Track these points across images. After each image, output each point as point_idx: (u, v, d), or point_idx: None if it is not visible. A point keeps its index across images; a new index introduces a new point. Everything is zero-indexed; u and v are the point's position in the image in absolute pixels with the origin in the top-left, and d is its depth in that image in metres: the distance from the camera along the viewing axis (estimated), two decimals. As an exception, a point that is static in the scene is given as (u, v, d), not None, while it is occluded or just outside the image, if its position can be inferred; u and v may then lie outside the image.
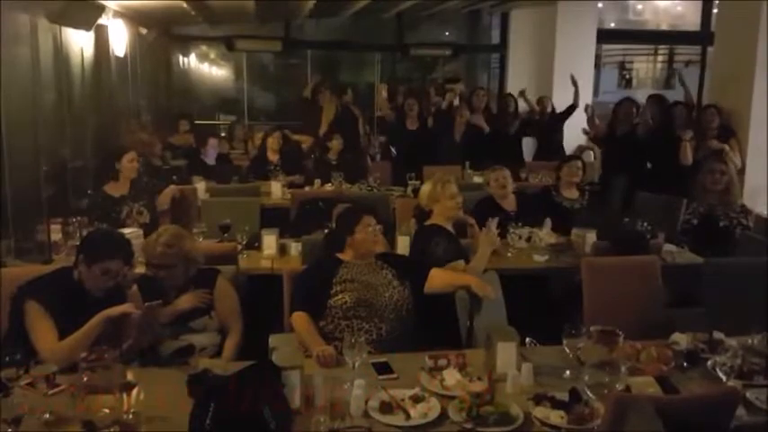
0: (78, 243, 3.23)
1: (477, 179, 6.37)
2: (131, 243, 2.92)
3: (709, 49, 7.87)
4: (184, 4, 6.39)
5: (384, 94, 7.54)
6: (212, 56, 11.39)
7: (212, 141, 6.43)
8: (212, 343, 2.93)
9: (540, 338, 2.73)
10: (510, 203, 4.66)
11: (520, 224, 4.30)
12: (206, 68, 11.56)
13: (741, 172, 5.13)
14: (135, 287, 2.87)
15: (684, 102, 6.25)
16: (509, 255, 4.08)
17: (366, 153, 7.08)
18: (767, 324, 2.85)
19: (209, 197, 5.26)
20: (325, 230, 3.86)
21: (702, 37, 9.25)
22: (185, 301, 2.91)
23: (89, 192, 4.66)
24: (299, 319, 2.78)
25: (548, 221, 4.40)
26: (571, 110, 7.39)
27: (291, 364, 2.17)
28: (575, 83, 7.22)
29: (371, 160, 6.89)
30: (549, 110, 7.73)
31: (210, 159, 6.42)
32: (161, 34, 8.85)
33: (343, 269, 2.94)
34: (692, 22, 10.27)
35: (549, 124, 7.65)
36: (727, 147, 5.36)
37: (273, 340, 2.58)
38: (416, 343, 2.79)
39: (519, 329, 2.62)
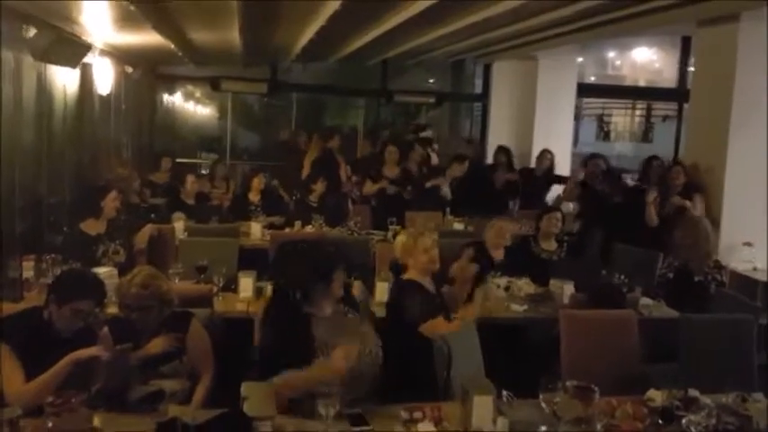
0: (50, 281, 3.17)
1: (458, 226, 6.42)
2: (104, 283, 2.89)
3: (686, 105, 8.09)
4: (172, 45, 6.46)
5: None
6: (197, 95, 11.49)
7: (190, 179, 6.41)
8: (182, 389, 2.86)
9: (517, 389, 2.70)
10: (499, 255, 4.71)
11: (499, 273, 4.33)
12: (191, 107, 11.64)
13: (714, 228, 5.21)
14: (106, 329, 2.82)
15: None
16: (487, 304, 4.07)
17: (348, 197, 7.10)
18: (741, 382, 2.87)
19: (188, 237, 5.21)
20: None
21: (679, 93, 9.54)
22: (156, 345, 2.84)
23: (65, 229, 4.60)
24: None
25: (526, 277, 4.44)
26: (563, 181, 7.54)
27: (263, 414, 2.13)
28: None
29: (352, 204, 6.90)
30: (547, 165, 7.78)
31: (189, 198, 6.39)
32: (147, 73, 8.91)
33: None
34: (670, 78, 10.60)
35: (542, 179, 7.74)
36: (688, 203, 5.48)
37: (246, 389, 2.52)
38: (393, 394, 2.75)
39: (496, 380, 2.60)
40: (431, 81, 12.23)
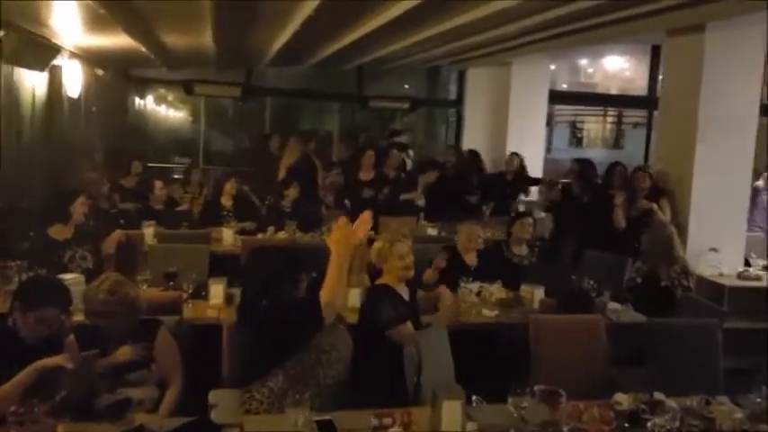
0: (15, 288, 3.11)
1: (432, 231, 6.45)
2: (70, 290, 2.84)
3: (655, 112, 8.24)
4: (143, 48, 6.39)
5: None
6: (170, 98, 11.36)
7: (158, 184, 6.34)
8: (150, 397, 2.82)
9: (488, 394, 2.72)
10: (472, 259, 4.72)
11: (471, 279, 4.36)
12: (163, 111, 11.51)
13: (680, 232, 5.31)
14: (72, 336, 2.76)
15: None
16: (461, 307, 4.09)
17: (322, 202, 7.09)
18: (706, 385, 2.93)
19: (157, 243, 5.15)
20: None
21: (649, 101, 9.71)
22: (124, 353, 2.80)
23: (31, 234, 4.51)
24: None
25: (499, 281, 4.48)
26: (536, 183, 7.61)
27: (231, 422, 2.11)
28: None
29: (326, 209, 6.89)
30: (516, 168, 7.85)
31: (158, 203, 6.32)
32: (118, 75, 8.80)
33: None
34: (640, 86, 10.77)
35: (512, 183, 7.81)
36: (655, 206, 5.56)
37: (213, 396, 2.50)
38: (362, 399, 2.75)
39: (467, 385, 2.61)
40: (406, 86, 12.27)
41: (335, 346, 2.77)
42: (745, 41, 5.72)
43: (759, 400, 2.65)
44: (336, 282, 2.70)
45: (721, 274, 5.49)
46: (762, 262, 6.03)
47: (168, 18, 5.36)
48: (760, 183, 7.52)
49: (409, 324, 3.31)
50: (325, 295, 2.67)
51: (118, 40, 5.88)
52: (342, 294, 2.81)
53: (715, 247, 5.59)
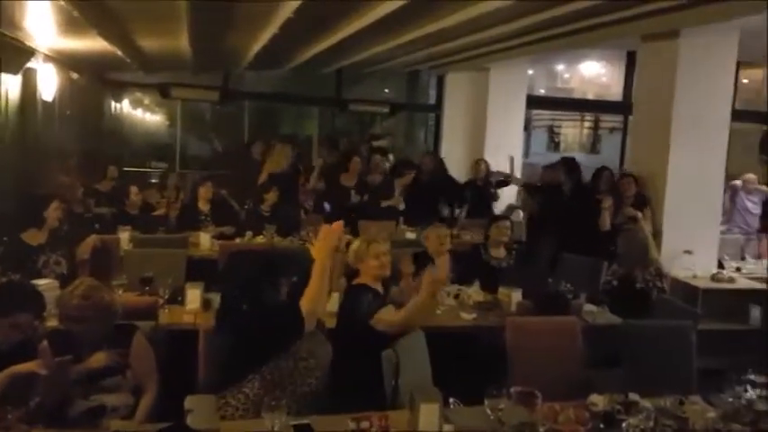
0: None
1: (410, 235, 6.46)
2: (43, 296, 2.80)
3: (631, 117, 8.35)
4: (118, 51, 6.33)
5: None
6: (146, 102, 11.24)
7: (133, 189, 6.27)
8: (125, 403, 2.79)
9: (466, 397, 2.74)
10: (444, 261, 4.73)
11: (449, 282, 4.37)
12: (139, 114, 11.38)
13: (655, 236, 5.38)
14: (45, 342, 2.72)
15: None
16: (438, 312, 4.10)
17: (300, 206, 7.06)
18: (680, 386, 2.97)
19: (133, 248, 5.09)
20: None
21: (624, 106, 9.85)
22: (98, 359, 2.77)
23: (5, 239, 4.44)
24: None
25: (476, 282, 4.49)
26: (505, 184, 7.66)
27: (207, 428, 2.09)
28: (512, 163, 7.47)
29: (305, 213, 6.86)
30: (484, 173, 7.92)
31: (133, 208, 6.25)
32: (94, 79, 8.70)
33: None
34: (616, 91, 10.92)
35: (484, 187, 7.87)
36: (640, 214, 5.64)
37: (189, 402, 2.48)
38: (340, 403, 2.74)
39: (446, 388, 2.62)
40: (386, 91, 12.30)
41: (314, 353, 2.77)
42: (718, 48, 5.82)
43: (731, 399, 2.70)
44: (318, 290, 2.71)
45: (695, 276, 5.58)
46: (735, 264, 6.15)
47: (143, 21, 5.31)
48: (738, 183, 7.65)
49: (391, 308, 3.30)
50: (306, 303, 2.68)
51: (93, 43, 5.81)
52: (323, 303, 2.82)
53: (689, 250, 5.68)
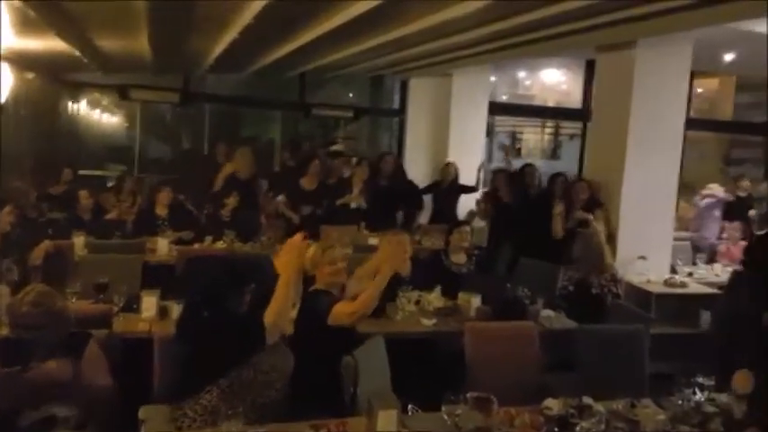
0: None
1: (372, 240, 6.46)
2: (-8, 303, 2.71)
3: (589, 124, 8.52)
4: (76, 52, 6.19)
5: None
6: (104, 102, 10.98)
7: (83, 194, 6.13)
8: (77, 414, 2.72)
9: (427, 403, 2.75)
10: (405, 268, 4.74)
11: (410, 288, 4.38)
12: (97, 116, 11.10)
13: (610, 241, 5.50)
14: (-6, 351, 2.65)
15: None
16: (398, 318, 4.12)
17: (262, 211, 7.00)
18: (633, 389, 3.04)
19: (88, 253, 4.98)
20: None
21: (583, 114, 10.04)
22: (50, 368, 2.70)
23: (-46, 244, 4.30)
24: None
25: (438, 286, 4.52)
26: (471, 191, 7.73)
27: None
28: (479, 171, 7.54)
29: (266, 218, 6.81)
30: (451, 177, 7.99)
31: (86, 213, 6.12)
32: (50, 79, 8.48)
33: None
34: (576, 99, 11.10)
35: (448, 191, 7.93)
36: (591, 216, 5.76)
37: (144, 412, 2.44)
38: (299, 411, 2.73)
39: (406, 394, 2.63)
40: (350, 95, 12.27)
41: (276, 366, 2.74)
42: (673, 58, 6.00)
43: (680, 402, 2.78)
44: (283, 303, 2.69)
45: (649, 281, 5.71)
46: (687, 269, 6.33)
47: (102, 21, 5.21)
48: (720, 194, 7.81)
49: (346, 301, 3.26)
50: (270, 316, 2.65)
51: (50, 44, 5.67)
52: (287, 316, 2.79)
53: (643, 255, 5.82)
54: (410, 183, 8.06)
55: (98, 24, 5.36)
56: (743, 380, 1.85)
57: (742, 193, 8.05)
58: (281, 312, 2.67)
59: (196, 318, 2.75)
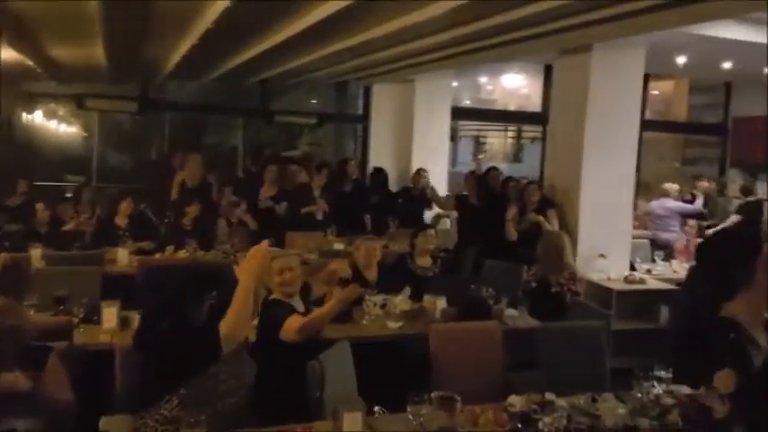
0: None
1: (338, 246, 6.46)
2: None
3: (549, 127, 8.68)
4: (30, 61, 6.06)
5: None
6: (61, 112, 10.73)
7: (40, 207, 6.00)
8: (38, 428, 2.66)
9: (393, 405, 2.76)
10: (372, 274, 4.75)
11: (376, 291, 4.40)
12: (53, 126, 10.83)
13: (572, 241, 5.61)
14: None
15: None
16: (364, 322, 4.13)
17: (222, 218, 6.93)
18: (594, 384, 3.10)
19: (46, 265, 4.87)
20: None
21: (543, 117, 10.21)
22: (8, 381, 2.64)
23: None
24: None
25: (406, 289, 4.54)
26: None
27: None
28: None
29: (229, 226, 6.74)
30: (422, 185, 8.03)
31: (42, 226, 5.99)
32: (3, 89, 8.26)
33: None
34: (536, 103, 11.29)
35: (418, 198, 7.98)
36: (541, 218, 5.92)
37: (105, 423, 2.40)
38: (264, 417, 2.71)
39: (373, 397, 2.64)
40: (313, 101, 12.24)
41: (237, 374, 2.68)
42: (627, 61, 6.16)
43: (640, 395, 2.85)
44: (239, 314, 2.61)
45: (609, 279, 5.84)
46: (645, 266, 6.49)
47: (55, 30, 5.12)
48: (674, 193, 8.01)
49: (296, 316, 3.22)
50: (226, 326, 2.58)
51: (2, 53, 5.54)
52: (244, 327, 2.69)
53: (603, 254, 5.95)
54: (389, 191, 8.09)
55: (51, 33, 5.26)
56: (725, 379, 1.90)
57: (698, 192, 8.30)
58: (237, 322, 2.60)
59: (154, 327, 2.71)
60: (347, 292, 3.33)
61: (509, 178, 6.76)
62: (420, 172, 8.06)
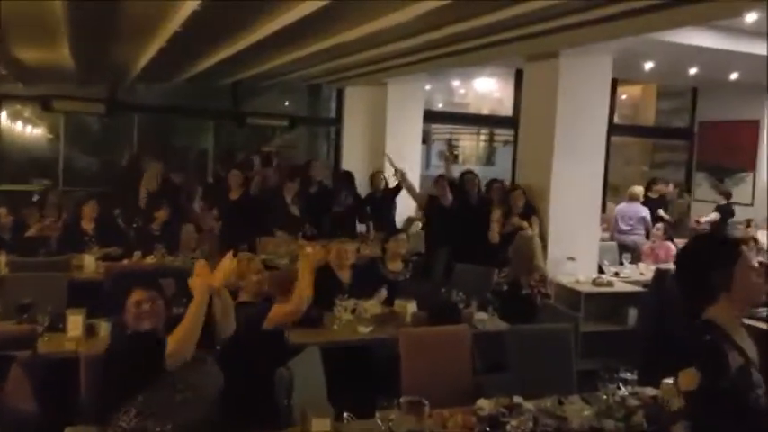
0: None
1: (309, 250, 6.42)
2: None
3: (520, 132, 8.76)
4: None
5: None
6: (26, 114, 10.49)
7: (2, 212, 5.89)
8: (-2, 439, 2.61)
9: (364, 410, 2.76)
10: (346, 275, 4.76)
11: (347, 296, 4.39)
12: (18, 128, 10.58)
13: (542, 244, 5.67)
14: None
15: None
16: (335, 327, 4.11)
17: (193, 225, 6.85)
18: (562, 386, 3.14)
19: (9, 272, 4.76)
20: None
21: (514, 121, 10.31)
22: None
23: None
24: None
25: (383, 292, 4.55)
26: (398, 190, 7.82)
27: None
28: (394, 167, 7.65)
29: (199, 231, 6.67)
30: (383, 186, 8.05)
31: (4, 232, 5.86)
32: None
33: None
34: (508, 107, 11.40)
35: (382, 200, 7.99)
36: (525, 223, 5.96)
37: (68, 433, 2.36)
38: (233, 425, 2.69)
39: (343, 402, 2.63)
40: (286, 104, 12.17)
41: (195, 385, 2.59)
42: (595, 67, 6.25)
43: (605, 397, 2.89)
44: (188, 331, 2.49)
45: (578, 281, 5.91)
46: (613, 269, 6.58)
47: (20, 32, 5.02)
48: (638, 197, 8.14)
49: (278, 304, 3.35)
50: (172, 342, 2.48)
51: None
52: (192, 344, 2.53)
53: (572, 257, 6.02)
54: (356, 195, 8.07)
55: (15, 33, 5.15)
56: (688, 377, 1.95)
57: (653, 195, 8.50)
58: (185, 340, 2.48)
59: (119, 336, 2.68)
60: (314, 254, 3.54)
61: (494, 180, 6.78)
62: (377, 174, 8.07)
